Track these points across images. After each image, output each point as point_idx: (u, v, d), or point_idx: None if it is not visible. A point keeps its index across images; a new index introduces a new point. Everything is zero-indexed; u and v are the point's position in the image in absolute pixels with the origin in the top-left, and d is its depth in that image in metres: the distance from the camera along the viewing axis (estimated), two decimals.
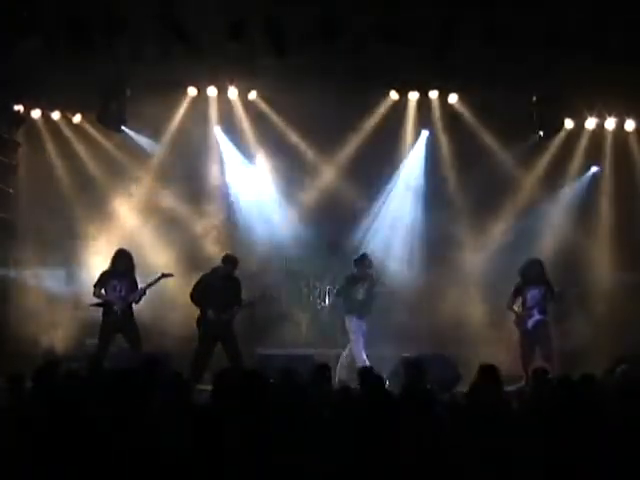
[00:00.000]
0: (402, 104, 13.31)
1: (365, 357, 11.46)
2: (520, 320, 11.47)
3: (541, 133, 13.18)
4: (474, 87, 12.55)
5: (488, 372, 6.72)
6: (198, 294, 11.24)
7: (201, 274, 11.41)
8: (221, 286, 11.16)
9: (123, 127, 13.04)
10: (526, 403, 6.47)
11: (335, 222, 13.39)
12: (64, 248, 13.08)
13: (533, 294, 11.46)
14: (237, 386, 5.93)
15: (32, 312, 12.68)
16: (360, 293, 11.81)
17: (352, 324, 11.76)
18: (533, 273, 11.50)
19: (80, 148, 13.29)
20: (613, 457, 5.17)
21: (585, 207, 13.53)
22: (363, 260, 11.96)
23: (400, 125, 13.47)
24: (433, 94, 13.18)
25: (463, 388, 7.15)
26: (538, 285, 11.47)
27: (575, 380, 6.52)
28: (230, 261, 11.33)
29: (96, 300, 11.24)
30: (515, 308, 11.54)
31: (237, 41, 11.16)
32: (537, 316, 11.41)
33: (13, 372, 7.17)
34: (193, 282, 11.36)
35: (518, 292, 11.55)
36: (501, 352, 11.41)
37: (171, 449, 5.10)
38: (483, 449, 5.01)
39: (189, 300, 11.30)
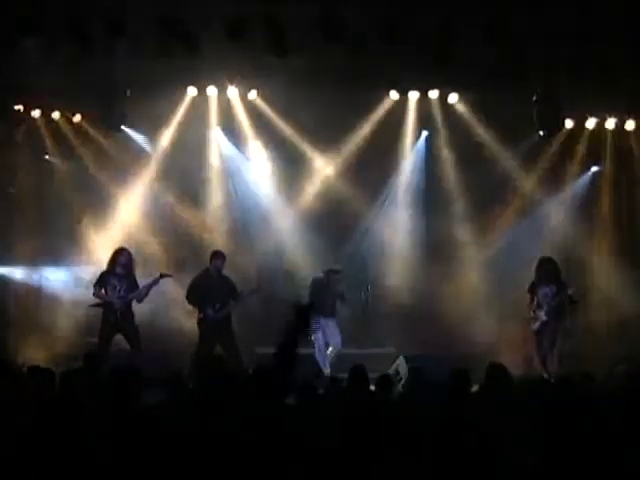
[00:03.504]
0: (402, 104, 13.32)
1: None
2: (529, 321, 11.59)
3: (541, 133, 13.18)
4: (474, 87, 12.55)
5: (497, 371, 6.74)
6: (194, 295, 11.30)
7: (193, 277, 11.50)
8: (215, 285, 11.24)
9: (123, 127, 13.04)
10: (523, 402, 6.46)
11: (335, 222, 13.39)
12: (64, 248, 13.08)
13: (544, 292, 11.51)
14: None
15: (32, 312, 12.69)
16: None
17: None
18: (544, 271, 11.54)
19: (80, 148, 13.29)
20: (613, 457, 5.17)
21: (585, 207, 13.55)
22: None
23: (400, 125, 13.48)
24: (433, 94, 13.18)
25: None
26: (549, 284, 11.50)
27: (575, 380, 6.53)
28: (218, 257, 11.38)
29: (96, 300, 11.26)
30: (532, 307, 11.58)
31: (237, 41, 11.16)
32: (543, 317, 11.45)
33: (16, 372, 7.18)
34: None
35: (531, 290, 11.62)
36: (502, 352, 11.44)
37: (170, 449, 5.10)
38: (481, 447, 5.01)
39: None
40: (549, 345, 11.41)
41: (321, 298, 11.49)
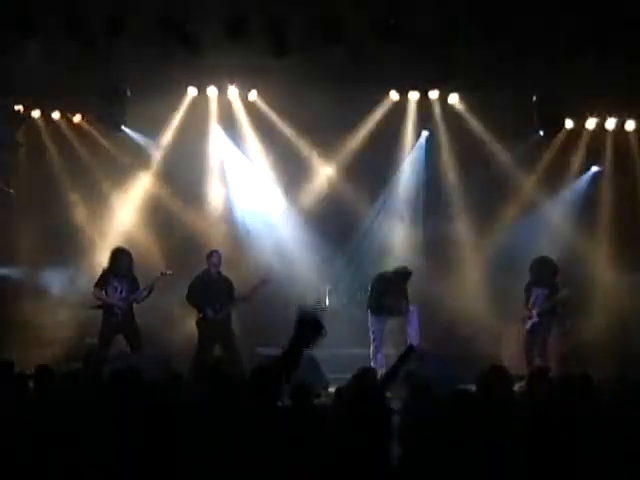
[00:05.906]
0: (402, 104, 13.31)
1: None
2: (523, 321, 11.59)
3: (541, 133, 13.18)
4: (474, 87, 12.55)
5: (498, 372, 6.73)
6: (194, 296, 11.30)
7: (193, 277, 11.48)
8: (214, 285, 11.25)
9: (123, 127, 13.04)
10: (523, 403, 6.47)
11: (335, 222, 13.39)
12: (64, 248, 13.07)
13: (537, 294, 11.51)
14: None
15: (32, 312, 12.68)
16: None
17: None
18: (539, 273, 11.54)
19: (80, 148, 13.29)
20: (612, 457, 5.17)
21: (585, 207, 13.54)
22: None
23: (400, 125, 13.47)
24: (433, 94, 13.18)
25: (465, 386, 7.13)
26: (542, 286, 11.50)
27: (574, 380, 6.53)
28: (213, 255, 11.40)
29: (96, 302, 11.25)
30: (527, 306, 11.59)
31: (237, 41, 11.17)
32: (535, 318, 11.47)
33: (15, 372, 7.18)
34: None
35: (527, 291, 11.63)
36: (502, 351, 11.44)
37: (169, 448, 5.11)
38: (481, 447, 5.02)
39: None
40: (541, 345, 11.43)
41: (385, 296, 11.41)
